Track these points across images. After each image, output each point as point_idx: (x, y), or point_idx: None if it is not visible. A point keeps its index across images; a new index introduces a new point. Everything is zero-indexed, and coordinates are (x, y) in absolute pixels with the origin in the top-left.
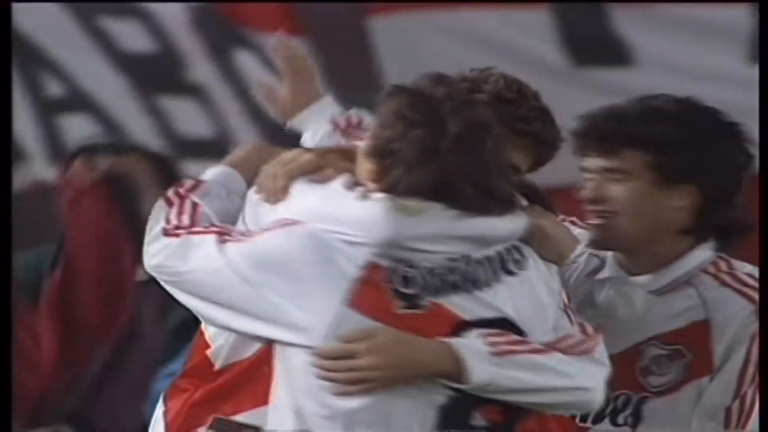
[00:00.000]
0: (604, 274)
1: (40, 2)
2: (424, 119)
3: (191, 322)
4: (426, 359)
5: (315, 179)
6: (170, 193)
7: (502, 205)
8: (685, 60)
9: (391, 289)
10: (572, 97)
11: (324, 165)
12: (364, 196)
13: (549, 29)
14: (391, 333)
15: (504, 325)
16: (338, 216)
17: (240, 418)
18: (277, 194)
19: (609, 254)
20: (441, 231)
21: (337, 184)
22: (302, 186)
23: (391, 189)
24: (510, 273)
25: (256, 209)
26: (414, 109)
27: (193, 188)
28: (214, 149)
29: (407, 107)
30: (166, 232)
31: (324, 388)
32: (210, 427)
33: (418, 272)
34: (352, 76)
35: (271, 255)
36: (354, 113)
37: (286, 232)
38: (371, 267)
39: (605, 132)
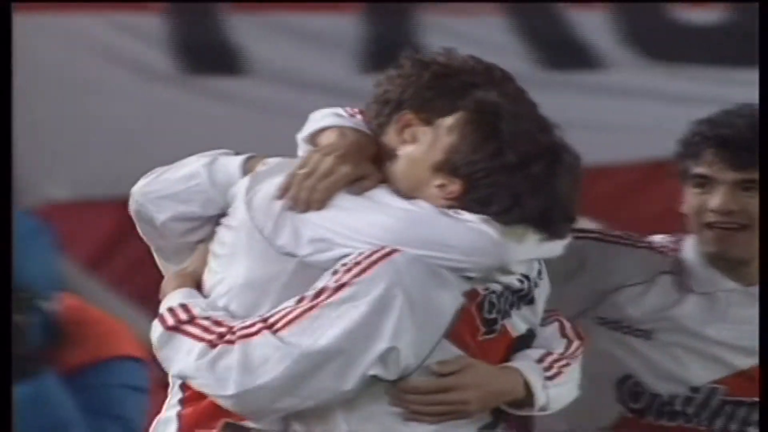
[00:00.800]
0: (705, 288)
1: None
2: (519, 142)
3: None
4: (507, 389)
5: (353, 191)
6: (170, 318)
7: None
8: (296, 69)
9: (481, 317)
10: (183, 104)
11: (362, 175)
12: (466, 220)
13: (161, 35)
14: (480, 367)
15: (532, 335)
16: (443, 241)
17: (250, 423)
18: (311, 206)
19: (699, 270)
20: (533, 255)
21: (405, 202)
22: (348, 200)
23: (493, 214)
24: (536, 285)
25: (271, 217)
26: (502, 129)
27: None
28: None
29: (491, 126)
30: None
31: (391, 414)
32: None
33: (496, 296)
34: None
35: (373, 296)
36: None
37: (386, 267)
38: (471, 294)
39: (748, 142)
